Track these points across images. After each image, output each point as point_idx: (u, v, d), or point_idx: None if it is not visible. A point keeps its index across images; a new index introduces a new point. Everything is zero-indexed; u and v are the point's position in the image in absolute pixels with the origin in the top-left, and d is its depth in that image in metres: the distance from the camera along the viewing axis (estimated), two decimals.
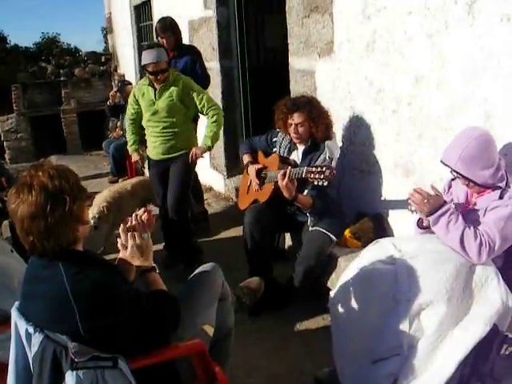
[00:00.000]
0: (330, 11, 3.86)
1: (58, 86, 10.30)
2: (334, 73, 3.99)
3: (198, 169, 4.96)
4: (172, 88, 4.15)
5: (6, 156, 9.92)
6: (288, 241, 4.40)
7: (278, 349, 3.32)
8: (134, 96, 4.39)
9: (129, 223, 2.23)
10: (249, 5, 5.92)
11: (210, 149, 4.33)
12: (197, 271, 2.55)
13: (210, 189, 6.85)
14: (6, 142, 9.92)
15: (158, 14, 7.70)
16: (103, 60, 11.60)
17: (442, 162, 2.60)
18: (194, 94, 4.20)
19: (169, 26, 5.07)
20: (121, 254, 2.27)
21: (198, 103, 4.21)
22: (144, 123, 4.40)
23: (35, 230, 1.87)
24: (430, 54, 3.10)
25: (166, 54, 4.17)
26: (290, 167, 3.32)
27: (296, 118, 3.58)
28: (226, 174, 6.41)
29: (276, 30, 5.78)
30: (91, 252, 2.20)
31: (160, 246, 4.67)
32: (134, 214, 2.29)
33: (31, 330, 1.97)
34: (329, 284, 3.60)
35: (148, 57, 4.06)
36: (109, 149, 7.66)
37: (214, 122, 4.24)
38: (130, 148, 4.61)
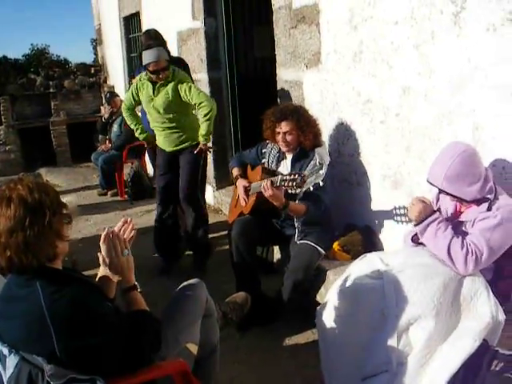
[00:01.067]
0: (316, 21, 3.84)
1: (47, 98, 10.24)
2: (322, 84, 3.96)
3: None
4: (169, 85, 4.19)
5: None
6: (277, 254, 4.34)
7: (267, 364, 3.26)
8: (136, 88, 4.44)
9: (106, 238, 2.15)
10: (237, 15, 5.91)
11: (207, 142, 4.38)
12: (181, 287, 2.49)
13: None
14: None
15: (147, 25, 7.66)
16: (93, 71, 11.55)
17: (428, 181, 2.56)
18: (185, 91, 4.20)
19: (153, 38, 5.03)
20: (101, 270, 2.21)
21: (190, 99, 4.21)
22: (148, 117, 4.52)
23: (13, 244, 1.81)
24: (417, 65, 3.08)
25: (166, 52, 4.20)
26: (269, 178, 3.28)
27: (284, 127, 3.54)
28: (215, 185, 6.36)
29: (265, 41, 5.76)
30: (70, 269, 2.14)
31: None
32: (116, 228, 2.23)
33: (6, 351, 1.91)
34: (318, 297, 3.56)
35: (148, 56, 4.11)
36: (97, 161, 7.60)
37: (206, 119, 4.22)
38: (140, 136, 4.74)
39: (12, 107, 10.04)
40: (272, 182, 3.22)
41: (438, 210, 2.67)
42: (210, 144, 4.53)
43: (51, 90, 10.49)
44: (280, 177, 3.20)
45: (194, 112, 4.50)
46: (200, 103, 4.18)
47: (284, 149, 3.65)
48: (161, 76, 4.15)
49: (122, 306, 2.15)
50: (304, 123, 3.54)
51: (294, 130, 3.54)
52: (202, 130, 4.27)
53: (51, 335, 1.80)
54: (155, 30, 5.16)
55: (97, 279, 2.25)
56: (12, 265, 1.86)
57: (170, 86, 4.18)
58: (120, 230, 2.23)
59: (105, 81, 10.95)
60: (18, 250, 1.82)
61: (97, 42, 11.66)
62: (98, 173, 7.83)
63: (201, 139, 4.31)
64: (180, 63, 5.20)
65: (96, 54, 12.32)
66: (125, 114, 4.70)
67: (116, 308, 2.13)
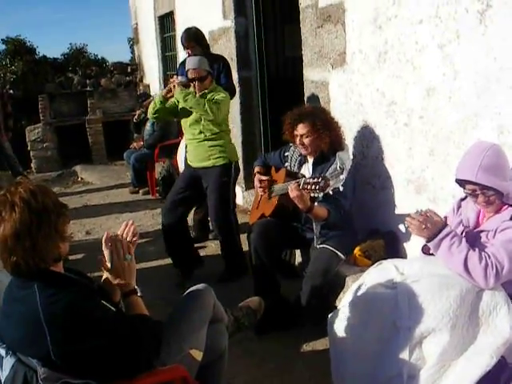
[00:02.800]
0: (342, 21, 3.76)
1: (84, 96, 10.35)
2: (347, 84, 3.87)
3: None
4: (208, 96, 4.08)
5: (32, 165, 10.00)
6: (298, 257, 4.27)
7: (282, 370, 3.20)
8: (176, 101, 4.28)
9: (108, 242, 2.13)
10: (267, 14, 5.85)
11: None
12: (186, 293, 2.45)
13: None
14: (32, 152, 9.98)
15: (180, 24, 7.70)
16: (129, 70, 11.65)
17: (457, 180, 2.44)
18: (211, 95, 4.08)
19: (192, 35, 5.01)
20: (105, 274, 2.19)
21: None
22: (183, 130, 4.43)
23: (20, 249, 1.81)
24: (441, 66, 2.97)
25: (207, 63, 4.14)
26: (292, 180, 3.21)
27: (300, 130, 3.47)
28: (244, 186, 6.32)
29: (295, 40, 5.69)
30: (72, 270, 2.11)
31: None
32: (119, 231, 2.21)
33: (3, 352, 1.92)
34: (337, 303, 3.47)
35: (190, 63, 4.12)
36: (130, 159, 7.65)
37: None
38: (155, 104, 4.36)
39: (50, 105, 10.19)
40: (298, 183, 3.15)
41: (457, 220, 2.55)
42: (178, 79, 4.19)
43: (88, 89, 10.61)
44: (303, 180, 3.12)
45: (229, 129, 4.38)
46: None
47: (303, 152, 3.57)
48: (197, 85, 4.07)
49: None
50: (320, 126, 3.44)
51: (310, 133, 3.45)
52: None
53: (46, 338, 1.79)
54: (196, 28, 5.09)
55: (102, 282, 2.23)
56: (18, 269, 1.85)
57: (209, 96, 4.08)
58: (122, 233, 2.20)
59: (141, 80, 11.03)
60: (26, 254, 1.81)
61: (134, 41, 11.76)
62: (130, 171, 7.88)
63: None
64: (220, 60, 5.14)
65: (133, 52, 12.42)
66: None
67: (119, 311, 2.11)
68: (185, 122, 4.30)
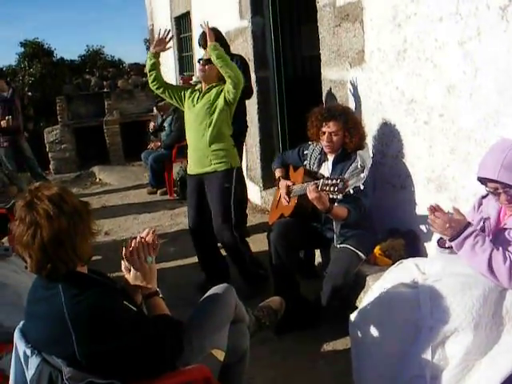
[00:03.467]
0: (360, 19, 3.74)
1: (101, 98, 10.43)
2: (366, 83, 3.85)
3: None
4: (213, 89, 4.00)
5: (51, 166, 10.10)
6: (318, 257, 4.26)
7: (304, 369, 3.19)
8: (184, 90, 4.21)
9: (132, 245, 2.15)
10: (284, 14, 5.84)
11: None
12: (208, 293, 2.45)
13: (247, 201, 6.76)
14: (50, 153, 10.10)
15: (197, 25, 7.69)
16: (146, 71, 11.70)
17: (479, 178, 2.41)
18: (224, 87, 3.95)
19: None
20: (126, 277, 2.20)
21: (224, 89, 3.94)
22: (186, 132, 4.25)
23: (61, 253, 1.82)
24: (462, 63, 2.94)
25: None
26: (311, 180, 3.20)
27: (332, 127, 3.46)
28: (262, 185, 6.31)
29: (312, 40, 5.67)
30: (95, 271, 2.13)
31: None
32: (138, 236, 2.21)
33: (29, 352, 1.94)
34: (357, 303, 3.45)
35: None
36: (147, 160, 7.69)
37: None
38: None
39: (68, 107, 10.29)
40: (316, 184, 3.15)
41: (478, 218, 2.52)
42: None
43: (105, 90, 10.69)
44: (322, 181, 3.11)
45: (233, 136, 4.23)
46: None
47: (327, 149, 3.57)
48: (205, 69, 3.96)
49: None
50: (352, 125, 3.47)
51: (340, 131, 3.46)
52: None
53: (71, 338, 1.80)
54: (215, 29, 5.06)
55: (123, 283, 2.24)
56: (57, 273, 1.86)
57: (215, 90, 4.00)
58: (145, 238, 2.21)
59: None
60: (67, 257, 1.83)
61: (150, 42, 11.81)
62: (148, 171, 7.91)
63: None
64: (239, 60, 5.06)
65: None
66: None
67: (141, 312, 2.12)
68: (187, 124, 4.19)
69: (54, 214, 1.80)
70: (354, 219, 3.36)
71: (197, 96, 4.08)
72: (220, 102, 3.96)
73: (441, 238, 2.53)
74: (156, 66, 4.20)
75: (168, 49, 4.26)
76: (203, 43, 4.94)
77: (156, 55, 4.17)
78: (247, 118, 5.40)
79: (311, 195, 3.12)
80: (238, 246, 4.15)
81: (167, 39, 4.20)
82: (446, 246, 2.50)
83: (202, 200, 4.16)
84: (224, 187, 4.03)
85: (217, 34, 4.91)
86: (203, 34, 4.98)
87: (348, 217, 3.33)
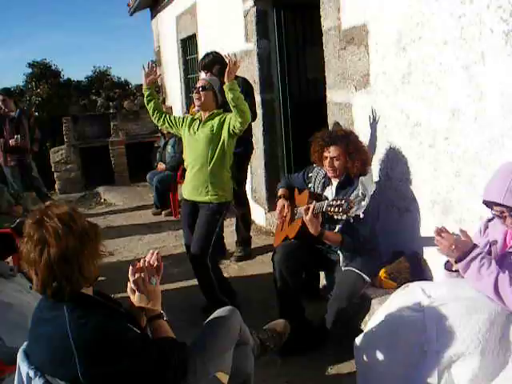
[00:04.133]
0: (365, 42, 3.77)
1: (107, 118, 10.47)
2: (371, 106, 3.87)
3: None
4: (215, 118, 3.99)
5: (56, 186, 10.12)
6: (323, 279, 4.24)
7: None
8: (183, 119, 4.23)
9: (137, 266, 2.15)
10: (290, 37, 5.89)
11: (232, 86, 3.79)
12: (213, 315, 2.45)
13: (252, 222, 6.76)
14: (55, 173, 10.12)
15: (203, 47, 7.79)
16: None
17: (484, 202, 2.40)
18: (227, 117, 3.96)
19: (210, 62, 4.97)
20: (131, 298, 2.20)
21: (232, 120, 3.90)
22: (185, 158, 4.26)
23: (67, 272, 1.83)
24: (466, 87, 2.95)
25: (219, 85, 4.04)
26: (314, 202, 3.21)
27: (332, 152, 3.47)
28: (267, 207, 6.31)
29: (318, 63, 5.71)
30: (101, 294, 2.13)
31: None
32: (142, 259, 2.22)
33: (32, 373, 1.93)
34: (362, 326, 3.43)
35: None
36: (152, 181, 7.71)
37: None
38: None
39: (74, 127, 10.34)
40: (314, 206, 3.16)
41: (484, 241, 2.51)
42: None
43: (111, 111, 10.74)
44: (326, 202, 3.13)
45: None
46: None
47: (330, 174, 3.57)
48: (201, 96, 3.96)
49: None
50: (353, 149, 3.46)
51: (341, 156, 3.46)
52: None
53: (75, 360, 1.80)
54: (215, 53, 5.04)
55: (128, 306, 2.24)
56: (60, 292, 1.86)
57: (217, 119, 3.98)
58: (149, 259, 2.21)
59: (163, 102, 11.11)
60: (73, 276, 1.84)
61: (156, 64, 11.92)
62: (153, 192, 7.93)
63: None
64: (245, 84, 5.08)
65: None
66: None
67: (145, 336, 2.11)
68: (187, 150, 4.17)
69: (63, 233, 1.81)
70: (349, 246, 3.37)
71: (197, 124, 4.07)
72: (224, 134, 3.95)
73: (448, 261, 2.52)
74: (153, 96, 4.31)
75: (159, 76, 4.30)
76: (202, 67, 5.01)
77: (150, 86, 4.24)
78: (252, 140, 5.42)
79: (305, 217, 3.14)
80: (210, 273, 4.14)
81: (153, 70, 4.26)
82: (454, 269, 2.49)
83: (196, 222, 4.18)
84: (214, 218, 4.06)
85: (218, 58, 4.96)
86: (204, 58, 5.05)
87: (342, 243, 3.36)
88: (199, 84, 4.03)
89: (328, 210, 3.08)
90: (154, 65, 4.32)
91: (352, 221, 3.13)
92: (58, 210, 1.87)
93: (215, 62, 4.93)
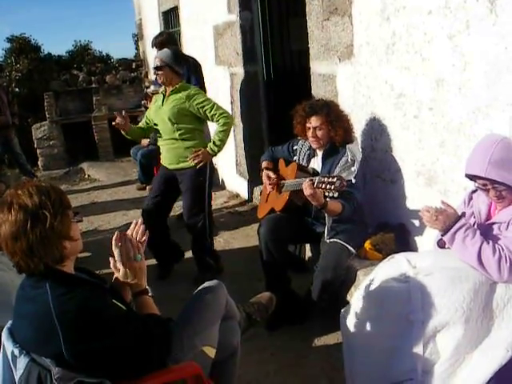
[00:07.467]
0: (349, 13, 3.72)
1: (89, 93, 10.33)
2: (355, 77, 3.84)
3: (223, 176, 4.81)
4: (180, 93, 4.07)
5: (39, 163, 10.01)
6: (309, 252, 4.25)
7: (294, 365, 3.19)
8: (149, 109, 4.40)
9: (119, 242, 2.12)
10: (273, 8, 5.80)
11: (214, 155, 4.16)
12: (198, 289, 2.44)
13: (237, 195, 6.75)
14: (38, 150, 9.98)
15: (185, 19, 7.67)
16: (134, 66, 11.64)
17: (466, 175, 2.40)
18: (202, 102, 4.06)
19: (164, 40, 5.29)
20: (115, 274, 2.18)
21: (207, 112, 4.05)
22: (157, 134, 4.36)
23: (18, 250, 1.82)
24: (451, 56, 2.93)
25: (171, 55, 4.13)
26: (317, 177, 3.17)
27: (314, 122, 3.46)
28: (250, 180, 6.29)
29: (301, 34, 5.64)
30: (83, 269, 2.11)
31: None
32: (128, 231, 2.19)
33: (17, 352, 1.91)
34: (348, 297, 3.46)
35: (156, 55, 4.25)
36: (136, 156, 7.63)
37: (223, 130, 4.07)
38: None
39: (55, 103, 10.19)
40: (312, 181, 3.13)
41: (468, 212, 2.51)
42: (214, 160, 4.24)
43: (93, 86, 10.59)
44: (318, 178, 3.09)
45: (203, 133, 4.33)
46: (220, 114, 4.03)
47: (314, 145, 3.55)
48: (160, 75, 4.09)
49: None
50: (334, 118, 3.45)
51: (323, 125, 3.45)
52: (217, 138, 4.08)
53: (59, 337, 1.78)
54: (169, 33, 5.29)
55: (112, 281, 2.22)
56: (21, 268, 1.87)
57: (181, 94, 4.05)
58: (132, 233, 2.19)
59: (146, 75, 11.00)
60: (24, 255, 1.82)
61: (138, 37, 11.75)
62: (137, 167, 7.86)
63: (210, 147, 4.09)
64: (193, 63, 5.29)
65: (137, 49, 12.41)
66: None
67: (130, 311, 2.10)
68: (158, 123, 4.25)
69: (14, 210, 1.80)
70: (348, 213, 3.35)
71: (161, 98, 4.18)
72: (186, 110, 4.06)
73: (440, 238, 2.51)
74: (134, 133, 4.46)
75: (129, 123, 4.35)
76: (154, 45, 5.36)
77: (128, 131, 4.35)
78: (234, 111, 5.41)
79: (307, 191, 3.10)
80: (206, 236, 4.30)
81: (125, 116, 4.27)
82: (446, 246, 2.48)
83: (167, 190, 4.30)
84: (198, 181, 4.17)
85: (170, 37, 5.05)
86: (158, 37, 5.43)
87: (342, 211, 3.32)
88: (154, 64, 4.16)
89: (319, 186, 3.05)
90: (122, 111, 4.39)
91: (330, 196, 3.10)
92: (22, 188, 1.86)
93: (168, 42, 5.09)
